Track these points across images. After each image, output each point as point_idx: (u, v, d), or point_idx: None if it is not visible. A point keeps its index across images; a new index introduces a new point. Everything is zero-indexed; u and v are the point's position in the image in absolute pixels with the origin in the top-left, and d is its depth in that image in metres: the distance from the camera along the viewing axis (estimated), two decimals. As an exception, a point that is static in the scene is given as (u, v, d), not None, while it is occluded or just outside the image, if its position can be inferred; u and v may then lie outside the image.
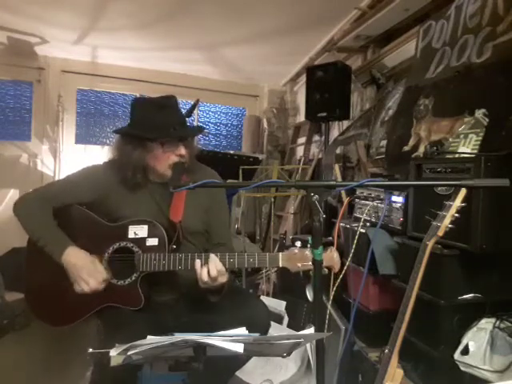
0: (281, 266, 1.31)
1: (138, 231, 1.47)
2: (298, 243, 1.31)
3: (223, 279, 1.35)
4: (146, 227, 1.47)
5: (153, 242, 1.46)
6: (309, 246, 1.28)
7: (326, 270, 1.26)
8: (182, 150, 1.50)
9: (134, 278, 1.44)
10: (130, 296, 1.43)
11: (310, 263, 1.25)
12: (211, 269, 1.31)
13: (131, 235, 1.47)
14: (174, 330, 1.38)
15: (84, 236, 1.49)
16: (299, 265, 1.29)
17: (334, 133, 3.54)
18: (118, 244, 1.48)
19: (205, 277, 1.32)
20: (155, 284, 1.50)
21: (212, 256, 1.34)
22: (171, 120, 1.49)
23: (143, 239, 1.46)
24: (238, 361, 1.53)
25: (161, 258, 1.41)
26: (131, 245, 1.46)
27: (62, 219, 1.51)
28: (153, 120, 1.48)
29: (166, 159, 1.50)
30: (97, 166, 1.62)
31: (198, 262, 1.35)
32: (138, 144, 1.49)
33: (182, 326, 1.42)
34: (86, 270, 1.39)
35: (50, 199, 1.52)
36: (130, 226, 1.47)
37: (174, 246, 1.48)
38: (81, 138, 4.29)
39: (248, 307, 1.46)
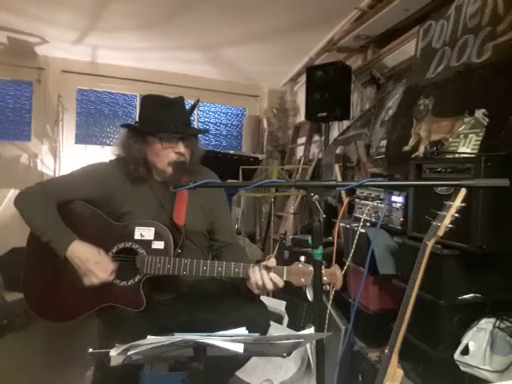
0: (285, 279, 1.31)
1: (145, 233, 1.45)
2: (303, 258, 1.31)
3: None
4: (153, 230, 1.45)
5: (159, 245, 1.44)
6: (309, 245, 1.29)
7: (328, 287, 1.26)
8: (181, 148, 1.50)
9: (137, 280, 1.42)
10: (132, 297, 1.41)
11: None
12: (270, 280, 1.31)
13: (137, 236, 1.45)
14: (174, 330, 1.38)
15: (88, 233, 1.46)
16: (303, 280, 1.29)
17: (334, 133, 3.53)
18: (122, 244, 1.46)
19: (269, 286, 1.31)
20: (156, 284, 1.49)
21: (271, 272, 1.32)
22: (174, 118, 1.50)
23: (149, 241, 1.44)
24: (238, 361, 1.52)
25: (166, 261, 1.39)
26: (136, 246, 1.45)
27: (66, 215, 1.48)
28: (156, 116, 1.51)
29: (165, 156, 1.50)
30: (101, 164, 1.62)
31: (255, 270, 1.32)
32: (140, 138, 1.51)
33: (182, 326, 1.41)
34: (94, 262, 1.38)
35: (53, 194, 1.49)
36: (137, 228, 1.45)
37: (179, 251, 1.47)
38: (81, 138, 4.29)
39: (247, 307, 1.46)
